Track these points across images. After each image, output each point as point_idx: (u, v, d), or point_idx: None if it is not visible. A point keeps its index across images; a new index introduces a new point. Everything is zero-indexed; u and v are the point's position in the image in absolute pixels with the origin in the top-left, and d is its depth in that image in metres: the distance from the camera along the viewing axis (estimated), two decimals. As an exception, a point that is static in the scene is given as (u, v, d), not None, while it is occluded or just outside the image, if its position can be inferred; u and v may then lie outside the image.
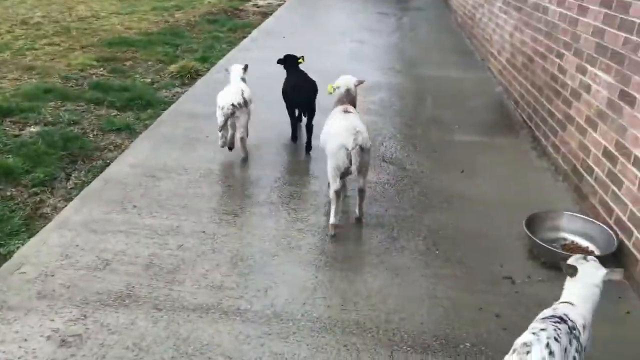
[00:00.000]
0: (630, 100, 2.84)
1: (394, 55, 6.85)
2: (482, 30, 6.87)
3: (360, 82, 3.43)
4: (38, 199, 3.20)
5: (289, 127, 4.13)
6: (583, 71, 3.51)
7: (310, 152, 3.89)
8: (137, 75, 5.60)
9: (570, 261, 1.99)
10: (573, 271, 1.95)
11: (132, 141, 4.02)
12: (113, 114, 4.55)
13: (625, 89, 2.90)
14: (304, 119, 4.04)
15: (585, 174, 3.30)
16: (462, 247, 2.88)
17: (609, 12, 3.21)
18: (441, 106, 5.07)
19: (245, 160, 3.75)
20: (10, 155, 3.53)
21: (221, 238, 2.87)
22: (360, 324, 2.29)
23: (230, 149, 3.75)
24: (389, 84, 5.63)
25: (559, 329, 1.71)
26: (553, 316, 1.79)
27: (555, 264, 2.71)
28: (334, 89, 3.36)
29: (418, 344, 2.20)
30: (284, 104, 4.10)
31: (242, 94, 3.61)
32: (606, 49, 3.19)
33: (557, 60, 4.00)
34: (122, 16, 8.47)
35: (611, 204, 2.90)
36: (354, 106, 3.30)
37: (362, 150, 2.88)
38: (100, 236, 2.82)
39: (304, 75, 4.06)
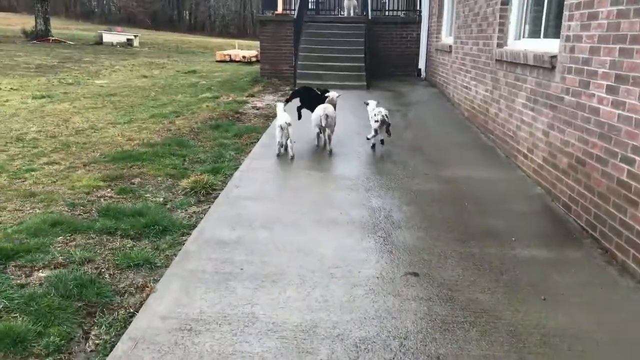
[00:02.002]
0: None
1: (416, 155, 6.53)
2: (502, 127, 6.64)
3: (339, 95, 7.23)
4: (54, 372, 2.62)
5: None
6: (671, 181, 3.14)
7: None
8: (148, 195, 5.14)
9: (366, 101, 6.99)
10: (367, 105, 6.94)
11: (155, 280, 3.49)
12: (128, 245, 4.03)
13: None
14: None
15: (701, 303, 2.83)
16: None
17: (700, 118, 2.89)
18: (485, 213, 4.67)
19: (292, 158, 6.24)
20: (17, 314, 2.96)
21: (290, 419, 2.28)
22: None
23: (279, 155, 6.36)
24: (422, 190, 5.24)
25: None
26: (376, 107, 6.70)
27: None
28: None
29: None
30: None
31: (288, 118, 6.25)
32: None
33: (625, 166, 3.66)
34: (120, 126, 8.16)
35: None
36: (334, 105, 6.88)
37: (327, 116, 6.31)
38: None
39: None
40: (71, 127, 7.97)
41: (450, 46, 10.17)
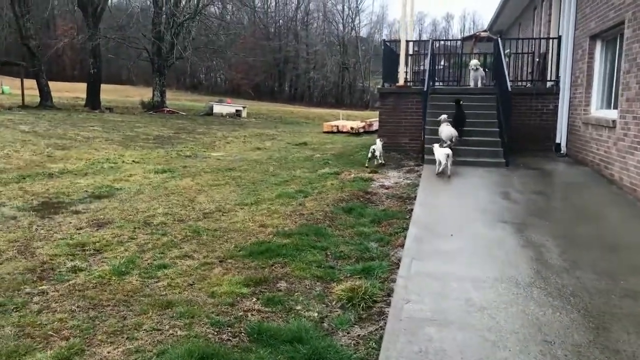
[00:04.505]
0: None
1: (619, 264, 5.16)
2: None
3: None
4: None
5: None
6: None
7: None
8: (299, 307, 4.21)
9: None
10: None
11: None
12: (295, 392, 3.05)
13: None
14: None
15: None
16: None
17: None
18: None
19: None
20: None
21: None
22: None
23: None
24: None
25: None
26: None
27: None
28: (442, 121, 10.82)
29: None
30: None
31: (449, 150, 9.29)
32: None
33: None
34: (248, 208, 7.47)
35: None
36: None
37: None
38: None
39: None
40: (197, 208, 7.40)
41: (613, 121, 8.80)
